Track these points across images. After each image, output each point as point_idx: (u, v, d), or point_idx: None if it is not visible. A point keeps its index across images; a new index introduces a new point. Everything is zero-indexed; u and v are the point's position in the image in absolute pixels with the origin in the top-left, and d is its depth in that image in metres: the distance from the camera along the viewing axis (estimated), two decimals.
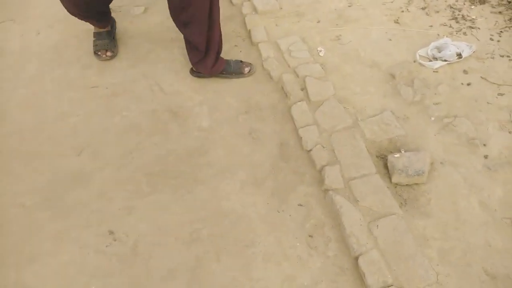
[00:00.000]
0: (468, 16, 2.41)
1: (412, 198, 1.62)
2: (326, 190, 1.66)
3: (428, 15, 2.44)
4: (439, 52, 2.13)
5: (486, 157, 1.72)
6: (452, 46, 2.13)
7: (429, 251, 1.47)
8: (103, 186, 1.74)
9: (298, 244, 1.55)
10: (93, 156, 1.85)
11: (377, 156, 1.77)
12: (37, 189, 1.74)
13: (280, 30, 2.43)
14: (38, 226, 1.62)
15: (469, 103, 1.92)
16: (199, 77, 2.18)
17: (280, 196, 1.69)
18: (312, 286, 1.44)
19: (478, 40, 2.24)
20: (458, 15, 2.42)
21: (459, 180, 1.65)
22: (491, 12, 2.42)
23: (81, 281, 1.48)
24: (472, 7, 2.47)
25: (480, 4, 2.48)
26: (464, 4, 2.50)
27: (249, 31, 2.43)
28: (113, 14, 2.41)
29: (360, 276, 1.44)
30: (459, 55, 2.11)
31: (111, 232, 1.60)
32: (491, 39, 2.24)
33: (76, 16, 2.11)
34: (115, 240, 1.58)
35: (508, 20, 2.35)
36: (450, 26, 2.35)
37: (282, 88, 2.09)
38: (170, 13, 1.96)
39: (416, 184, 1.65)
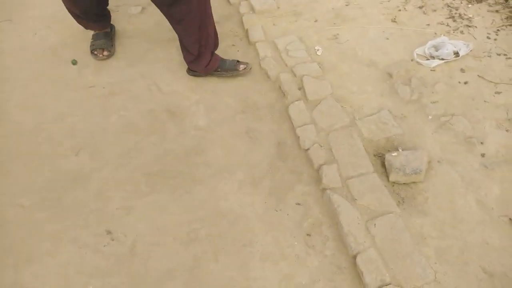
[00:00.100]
0: (465, 14, 2.41)
1: (410, 197, 1.63)
2: (324, 189, 1.66)
3: (425, 14, 2.45)
4: (436, 51, 2.14)
5: (483, 155, 1.72)
6: (449, 45, 2.13)
7: (427, 250, 1.47)
8: (101, 186, 1.75)
9: (296, 243, 1.55)
10: (91, 156, 1.86)
11: (374, 155, 1.77)
12: (35, 190, 1.74)
13: (277, 29, 2.43)
14: (37, 226, 1.62)
15: (466, 101, 1.93)
16: (195, 75, 2.18)
17: (277, 196, 1.70)
18: (309, 285, 1.44)
19: (475, 38, 2.25)
20: (455, 13, 2.43)
21: (456, 178, 1.66)
22: (488, 11, 2.43)
23: (79, 281, 1.48)
24: (469, 5, 2.48)
25: (477, 3, 2.49)
26: (461, 2, 2.50)
27: (247, 30, 2.43)
28: (111, 14, 2.41)
29: (358, 275, 1.44)
30: (456, 54, 2.12)
31: (109, 232, 1.60)
32: (488, 38, 2.25)
33: (77, 20, 2.12)
34: (113, 240, 1.58)
35: (505, 18, 2.36)
36: (447, 25, 2.36)
37: (280, 87, 2.09)
38: (161, 10, 1.94)
39: (414, 182, 1.66)
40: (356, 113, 1.93)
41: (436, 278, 1.39)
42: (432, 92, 1.98)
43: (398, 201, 1.61)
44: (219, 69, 2.15)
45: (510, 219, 1.53)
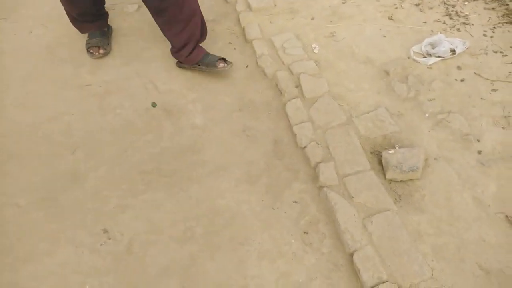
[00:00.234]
0: (461, 12, 2.41)
1: (407, 194, 1.63)
2: (321, 187, 1.66)
3: (422, 11, 2.45)
4: (433, 49, 2.14)
5: (479, 152, 1.73)
6: (446, 42, 2.13)
7: (424, 247, 1.47)
8: (97, 185, 1.74)
9: (293, 241, 1.55)
10: (87, 154, 1.85)
11: (371, 153, 1.77)
12: (32, 189, 1.73)
13: (274, 27, 2.43)
14: (33, 226, 1.62)
15: (463, 99, 1.93)
16: (181, 67, 2.20)
17: (274, 193, 1.69)
18: (307, 282, 1.44)
19: (471, 36, 2.25)
20: (452, 11, 2.43)
21: (453, 176, 1.66)
22: (484, 8, 2.43)
23: (76, 280, 1.47)
24: (466, 3, 2.48)
25: (474, 1, 2.49)
26: (458, 0, 2.50)
27: (243, 28, 2.42)
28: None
29: (355, 272, 1.44)
30: (453, 51, 2.12)
31: (105, 231, 1.60)
32: (485, 35, 2.25)
33: (73, 23, 2.13)
34: (109, 239, 1.58)
35: (501, 16, 2.36)
36: (444, 23, 2.36)
37: (277, 85, 2.09)
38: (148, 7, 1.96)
39: (411, 180, 1.66)
40: (353, 110, 1.93)
41: (433, 275, 1.40)
42: (429, 90, 1.98)
43: (395, 199, 1.61)
44: (200, 63, 2.13)
45: (506, 216, 1.53)
